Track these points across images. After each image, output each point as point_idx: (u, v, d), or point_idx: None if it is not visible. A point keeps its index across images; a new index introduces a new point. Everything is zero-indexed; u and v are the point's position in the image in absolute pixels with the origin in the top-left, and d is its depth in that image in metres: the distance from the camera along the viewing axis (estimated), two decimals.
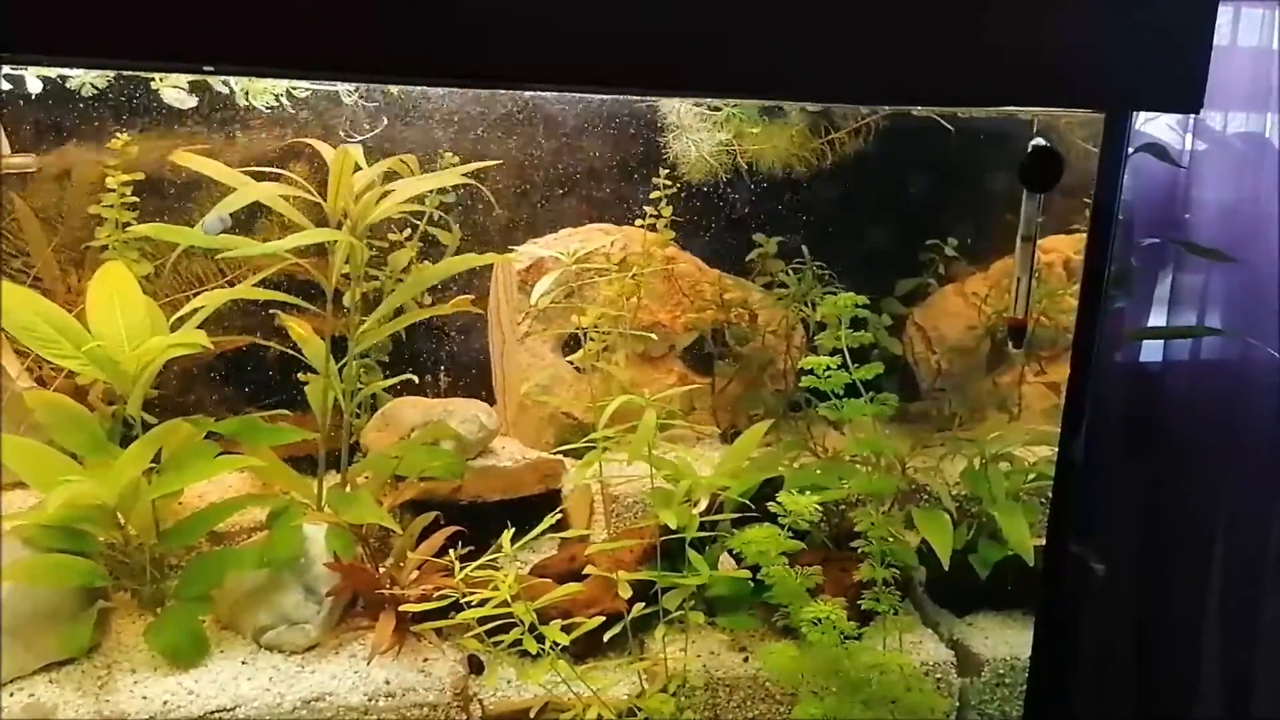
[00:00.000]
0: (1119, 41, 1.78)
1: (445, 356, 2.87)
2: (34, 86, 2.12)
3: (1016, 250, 2.02)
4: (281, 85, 2.21)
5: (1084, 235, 2.82)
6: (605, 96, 2.65)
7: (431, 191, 2.53)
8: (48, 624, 2.12)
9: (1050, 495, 2.58)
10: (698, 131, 2.65)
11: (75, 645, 2.13)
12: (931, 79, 1.76)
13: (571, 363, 2.76)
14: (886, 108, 2.72)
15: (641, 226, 2.75)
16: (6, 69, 2.01)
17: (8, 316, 2.10)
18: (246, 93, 2.18)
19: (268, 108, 2.25)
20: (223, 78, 2.15)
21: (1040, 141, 1.99)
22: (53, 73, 2.04)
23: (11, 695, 2.05)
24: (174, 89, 2.14)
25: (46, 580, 2.11)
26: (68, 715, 2.04)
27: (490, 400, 2.85)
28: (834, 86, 1.78)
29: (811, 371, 2.06)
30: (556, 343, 2.83)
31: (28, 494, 2.40)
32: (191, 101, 2.21)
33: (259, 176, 2.19)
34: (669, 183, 2.66)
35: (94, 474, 2.11)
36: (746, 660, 2.29)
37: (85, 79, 2.10)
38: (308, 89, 2.28)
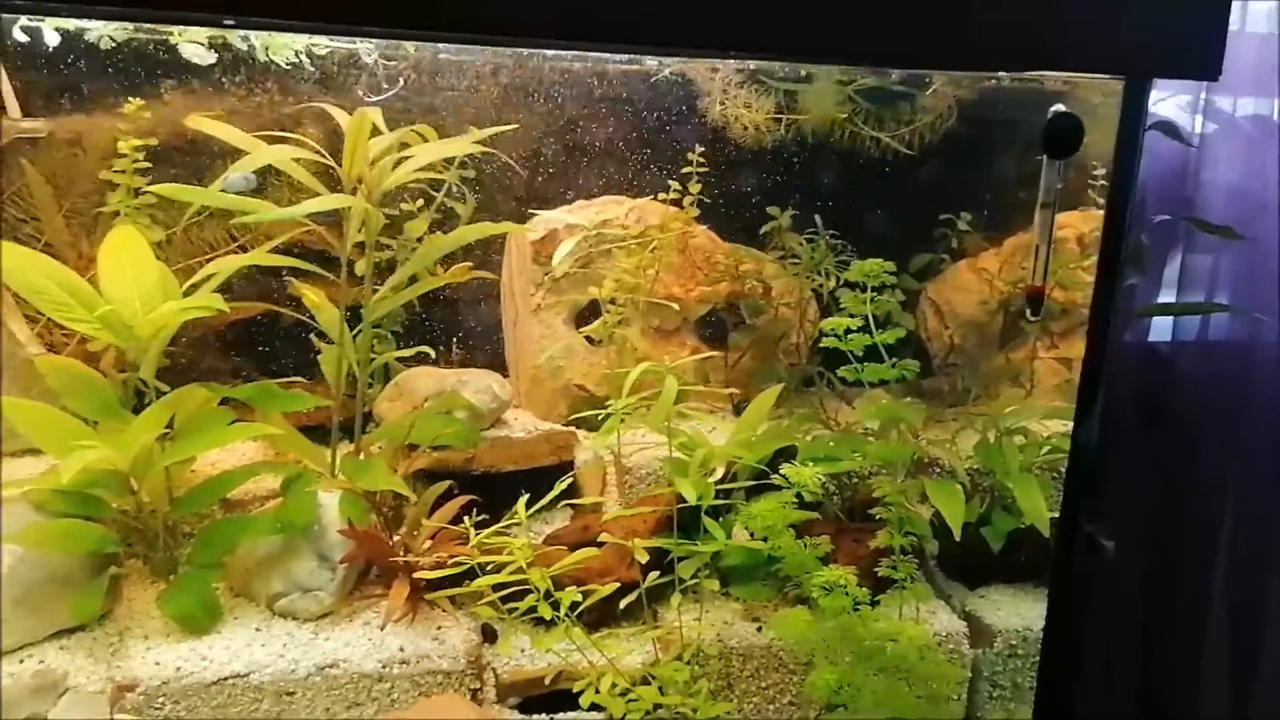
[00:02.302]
0: (1137, 8, 1.77)
1: (458, 328, 2.85)
2: (52, 40, 2.09)
3: (1035, 218, 2.02)
4: (301, 42, 2.19)
5: (1094, 213, 2.85)
6: (620, 63, 2.63)
7: (449, 161, 2.52)
8: (59, 590, 2.11)
9: (1062, 470, 2.60)
10: (720, 99, 2.64)
11: (87, 612, 2.12)
12: (947, 43, 1.75)
13: (586, 335, 2.75)
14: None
15: (665, 200, 2.74)
16: (24, 20, 1.98)
17: (18, 278, 2.08)
18: (267, 48, 2.16)
19: (288, 64, 2.22)
20: (243, 33, 2.12)
21: (1060, 107, 1.98)
22: (71, 24, 2.01)
23: (22, 662, 2.04)
24: (192, 44, 2.12)
25: (58, 546, 2.10)
26: (79, 681, 2.04)
27: (502, 372, 2.83)
28: (849, 49, 1.77)
29: (833, 333, 2.06)
30: (569, 315, 2.82)
31: (39, 461, 2.39)
32: (210, 58, 2.18)
33: (275, 139, 2.17)
34: (702, 160, 2.65)
35: (107, 439, 2.10)
36: (760, 630, 2.29)
37: (105, 31, 2.07)
38: (328, 46, 2.25)
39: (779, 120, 2.73)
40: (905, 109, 2.80)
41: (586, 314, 2.81)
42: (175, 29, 2.05)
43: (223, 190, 2.06)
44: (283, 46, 2.17)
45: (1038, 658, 2.37)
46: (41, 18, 1.97)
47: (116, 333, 2.13)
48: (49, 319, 2.32)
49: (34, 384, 2.33)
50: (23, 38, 2.08)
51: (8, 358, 2.35)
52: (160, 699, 2.00)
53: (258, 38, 2.17)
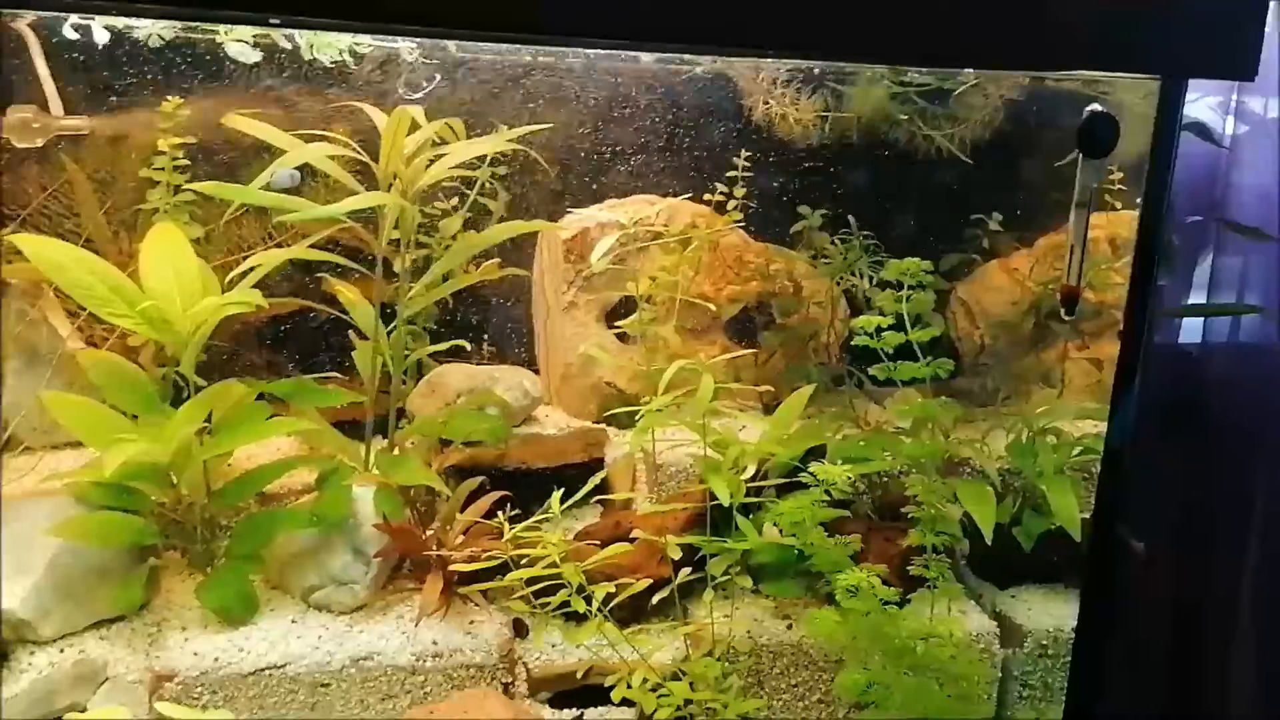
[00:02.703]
0: (1173, 7, 1.77)
1: (489, 325, 2.87)
2: (101, 37, 2.12)
3: (1071, 217, 2.02)
4: (345, 40, 2.21)
5: (1124, 214, 2.84)
6: (654, 62, 2.65)
7: (483, 158, 2.54)
8: (99, 581, 2.14)
9: (1093, 471, 2.60)
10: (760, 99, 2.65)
11: (127, 603, 2.15)
12: (983, 41, 1.75)
13: (621, 329, 2.75)
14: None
15: (709, 203, 2.75)
16: (74, 18, 2.02)
17: (63, 275, 2.11)
18: (311, 47, 2.18)
19: (332, 63, 2.25)
20: (287, 32, 2.15)
21: (1097, 106, 1.98)
22: (120, 23, 2.05)
23: (63, 651, 2.07)
24: (238, 43, 2.15)
25: (99, 538, 2.13)
26: (118, 671, 2.07)
27: (533, 369, 2.85)
28: (888, 49, 1.78)
29: (863, 331, 2.07)
30: (600, 313, 2.83)
31: (79, 454, 2.42)
32: (255, 56, 2.21)
33: (314, 137, 2.20)
34: (747, 164, 2.66)
35: (147, 433, 2.13)
36: (790, 627, 2.30)
37: (153, 30, 2.10)
38: (371, 44, 2.28)
39: (822, 119, 2.74)
40: (953, 109, 2.80)
41: (616, 312, 2.82)
42: (221, 28, 2.08)
43: (270, 186, 2.08)
44: (327, 45, 2.19)
45: (1068, 658, 2.37)
46: (91, 16, 2.00)
47: (157, 328, 2.16)
48: (89, 314, 2.35)
49: (75, 378, 2.37)
50: (73, 35, 2.11)
51: (50, 352, 2.39)
52: (198, 689, 2.03)
53: (302, 36, 2.20)
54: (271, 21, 1.75)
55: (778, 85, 2.74)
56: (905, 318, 2.08)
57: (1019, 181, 2.90)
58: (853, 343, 2.15)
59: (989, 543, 2.26)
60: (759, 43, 1.64)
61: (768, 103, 2.69)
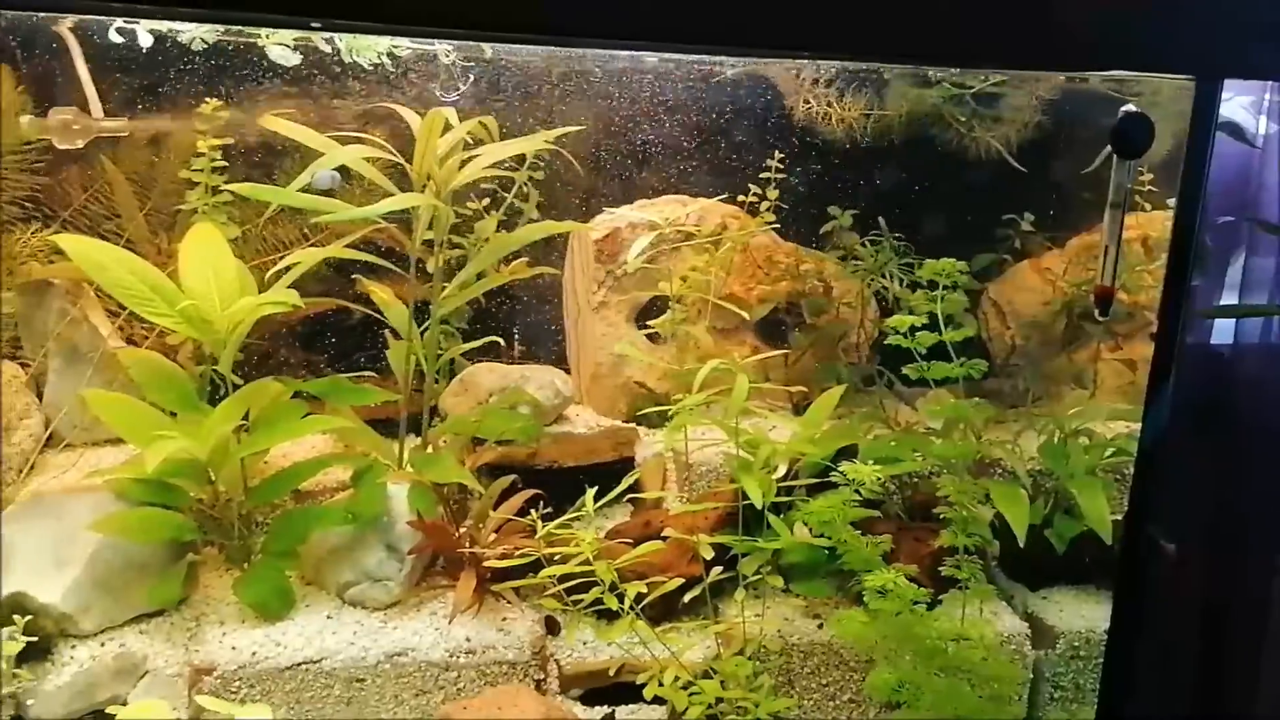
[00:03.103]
0: (1208, 8, 1.76)
1: (520, 324, 2.90)
2: (145, 41, 2.16)
3: (1105, 218, 2.01)
4: (384, 44, 2.24)
5: (1155, 214, 2.83)
6: (693, 63, 2.66)
7: (516, 159, 2.55)
8: (139, 576, 2.18)
9: (1125, 472, 2.59)
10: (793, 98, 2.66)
11: (166, 597, 2.18)
12: (1019, 42, 1.75)
13: (650, 329, 2.76)
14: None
15: (742, 204, 2.76)
16: (119, 22, 2.05)
17: (105, 274, 2.15)
18: (351, 50, 2.21)
19: (372, 65, 2.27)
20: (326, 35, 2.18)
21: (1131, 107, 1.98)
22: (163, 26, 2.08)
23: (103, 645, 2.11)
24: (279, 46, 2.18)
25: (139, 533, 2.16)
26: (157, 665, 2.10)
27: (563, 368, 2.87)
28: (925, 48, 1.79)
29: (896, 330, 2.07)
30: (631, 312, 2.85)
31: (119, 450, 2.46)
32: (295, 59, 2.24)
33: (351, 139, 2.22)
34: (780, 165, 2.67)
35: (186, 430, 2.16)
36: (821, 627, 2.30)
37: (196, 34, 2.14)
38: (409, 48, 2.30)
39: (862, 119, 2.75)
40: (997, 110, 2.81)
41: (647, 313, 2.83)
42: (263, 31, 2.11)
43: (311, 186, 2.11)
44: (366, 48, 2.22)
45: (1100, 660, 2.36)
46: (136, 19, 2.03)
47: (196, 327, 2.19)
48: (129, 313, 2.39)
49: (115, 376, 2.40)
50: (117, 38, 2.14)
51: (90, 351, 2.43)
52: (236, 683, 2.05)
53: (342, 39, 2.22)
54: (313, 26, 1.78)
55: (817, 85, 2.75)
56: (940, 318, 2.08)
57: (1052, 182, 2.89)
58: (886, 342, 2.15)
59: (1022, 545, 2.25)
60: (794, 44, 1.65)
61: (808, 102, 2.69)
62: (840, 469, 2.13)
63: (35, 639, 1.97)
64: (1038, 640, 2.38)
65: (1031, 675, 2.37)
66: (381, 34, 2.14)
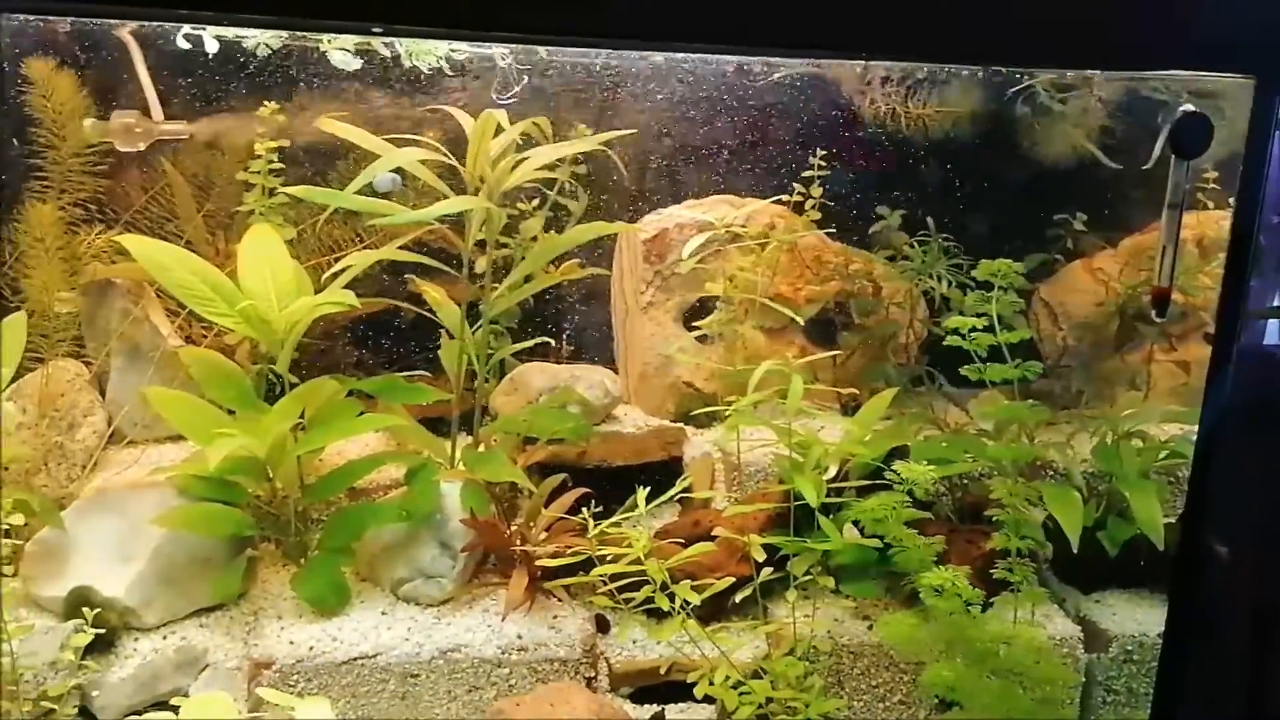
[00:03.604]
0: (1268, 6, 1.74)
1: (569, 324, 2.92)
2: (211, 47, 2.21)
3: (1163, 218, 1.99)
4: (443, 48, 2.27)
5: (1211, 214, 2.79)
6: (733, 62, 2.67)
7: (564, 160, 2.57)
8: (200, 570, 2.22)
9: (1179, 475, 2.56)
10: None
11: (227, 591, 2.22)
12: (1076, 41, 1.74)
13: (697, 328, 2.77)
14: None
15: (784, 202, 2.76)
16: (186, 28, 2.10)
17: (167, 275, 2.19)
18: (410, 54, 2.24)
19: (430, 69, 2.31)
20: (387, 40, 2.21)
21: (1189, 107, 1.96)
22: (229, 33, 2.12)
23: (165, 638, 2.15)
24: (340, 51, 2.21)
25: (201, 529, 2.21)
26: (217, 658, 2.14)
27: (611, 368, 2.89)
28: (981, 49, 1.78)
29: (956, 332, 2.07)
30: (678, 313, 2.86)
31: (178, 448, 2.51)
32: (356, 64, 2.27)
33: (406, 141, 2.25)
34: (823, 164, 2.68)
35: (244, 428, 2.20)
36: (871, 628, 2.30)
37: (260, 39, 2.18)
38: (467, 52, 2.33)
39: (920, 119, 2.75)
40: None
41: (694, 313, 2.84)
42: (325, 36, 2.15)
43: (374, 189, 2.14)
44: (425, 53, 2.25)
45: (1153, 664, 2.34)
46: (203, 25, 2.08)
47: (255, 327, 2.23)
48: (189, 313, 2.44)
49: (174, 374, 2.45)
50: (184, 44, 2.19)
51: (151, 349, 2.48)
52: (294, 676, 2.09)
53: (402, 44, 2.26)
54: (374, 30, 1.81)
55: (884, 85, 2.75)
56: (995, 319, 2.07)
57: (1107, 181, 2.86)
58: (944, 343, 2.14)
59: (1075, 547, 2.24)
60: (857, 46, 1.65)
61: (875, 102, 2.69)
62: (894, 468, 2.12)
63: (102, 631, 2.01)
64: (1090, 643, 2.36)
65: (1084, 678, 2.35)
66: (442, 39, 2.17)
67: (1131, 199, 2.84)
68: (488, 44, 2.26)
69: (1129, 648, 2.36)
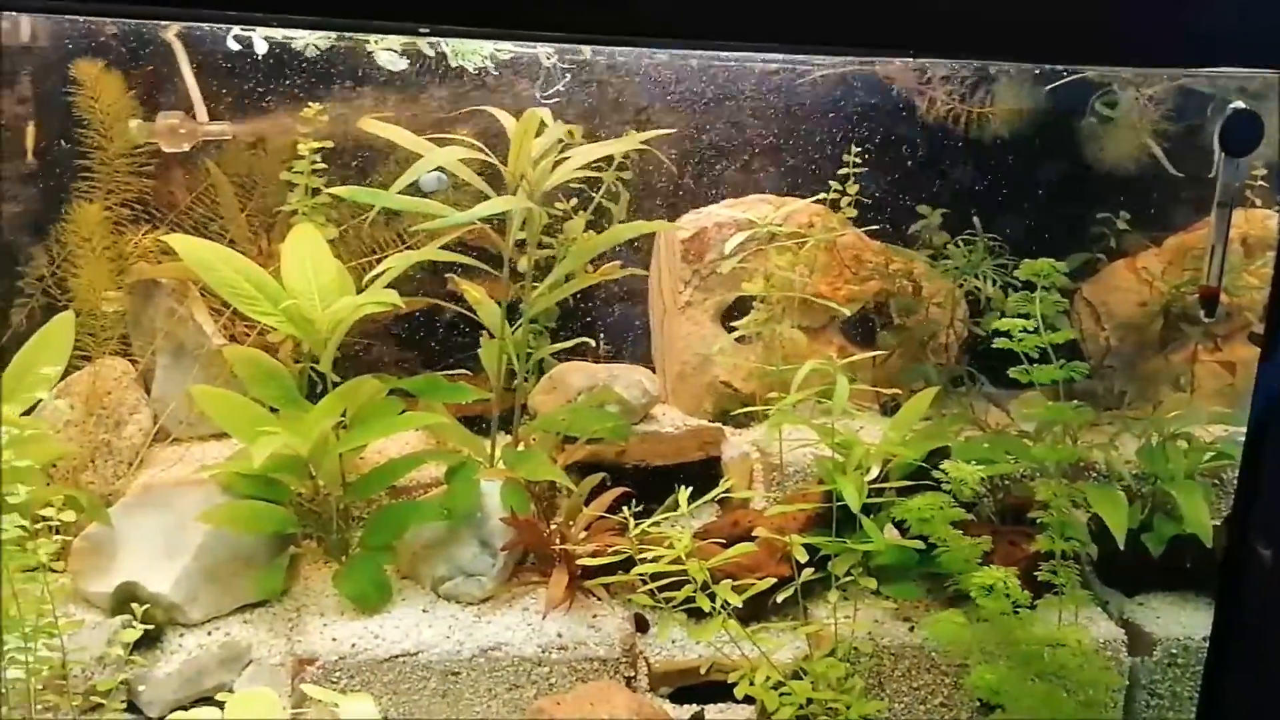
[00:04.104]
0: None
1: (606, 323, 2.92)
2: (261, 48, 2.23)
3: (1212, 216, 1.97)
4: (488, 48, 2.28)
5: (1257, 213, 2.76)
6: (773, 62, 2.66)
7: (609, 160, 2.58)
8: (244, 567, 2.24)
9: (1223, 476, 2.53)
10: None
11: (270, 588, 2.24)
12: (1128, 38, 1.72)
13: (734, 329, 2.76)
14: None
15: (821, 200, 2.76)
16: (236, 30, 2.12)
17: (213, 274, 2.21)
18: (458, 54, 2.26)
19: (476, 69, 2.32)
20: (432, 40, 2.22)
21: (1239, 104, 1.94)
22: (279, 34, 2.15)
23: (210, 634, 2.18)
24: (387, 51, 2.23)
25: (245, 526, 2.23)
26: (261, 654, 2.16)
27: (648, 367, 2.89)
28: (1010, 45, 1.77)
29: (1001, 333, 2.05)
30: (716, 312, 2.85)
31: (221, 445, 2.54)
32: (402, 64, 2.29)
33: (446, 141, 2.26)
34: (858, 160, 2.66)
35: (288, 426, 2.22)
36: (912, 629, 2.29)
37: (309, 40, 2.20)
38: (512, 51, 2.34)
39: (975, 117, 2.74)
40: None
41: (732, 312, 2.84)
42: (372, 38, 2.17)
43: (420, 189, 2.15)
44: (471, 53, 2.26)
45: (1198, 667, 2.31)
46: (252, 27, 2.10)
47: (299, 326, 2.25)
48: (232, 311, 2.46)
49: (218, 372, 2.48)
50: (235, 45, 2.22)
51: (195, 348, 2.51)
52: (337, 673, 2.11)
53: (448, 44, 2.27)
54: (421, 31, 1.82)
55: (943, 83, 2.74)
56: (1040, 319, 2.05)
57: (1152, 180, 2.83)
58: (991, 344, 2.12)
59: (1121, 547, 2.22)
60: (900, 44, 1.64)
61: (935, 102, 2.68)
62: (942, 468, 2.11)
63: (149, 627, 2.04)
64: (1134, 647, 2.34)
65: (1127, 682, 2.33)
66: (488, 39, 2.18)
67: (1177, 197, 2.81)
68: (532, 44, 2.26)
69: (1173, 651, 2.34)
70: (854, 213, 2.72)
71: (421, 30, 1.66)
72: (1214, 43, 1.75)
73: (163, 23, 2.18)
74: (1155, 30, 1.70)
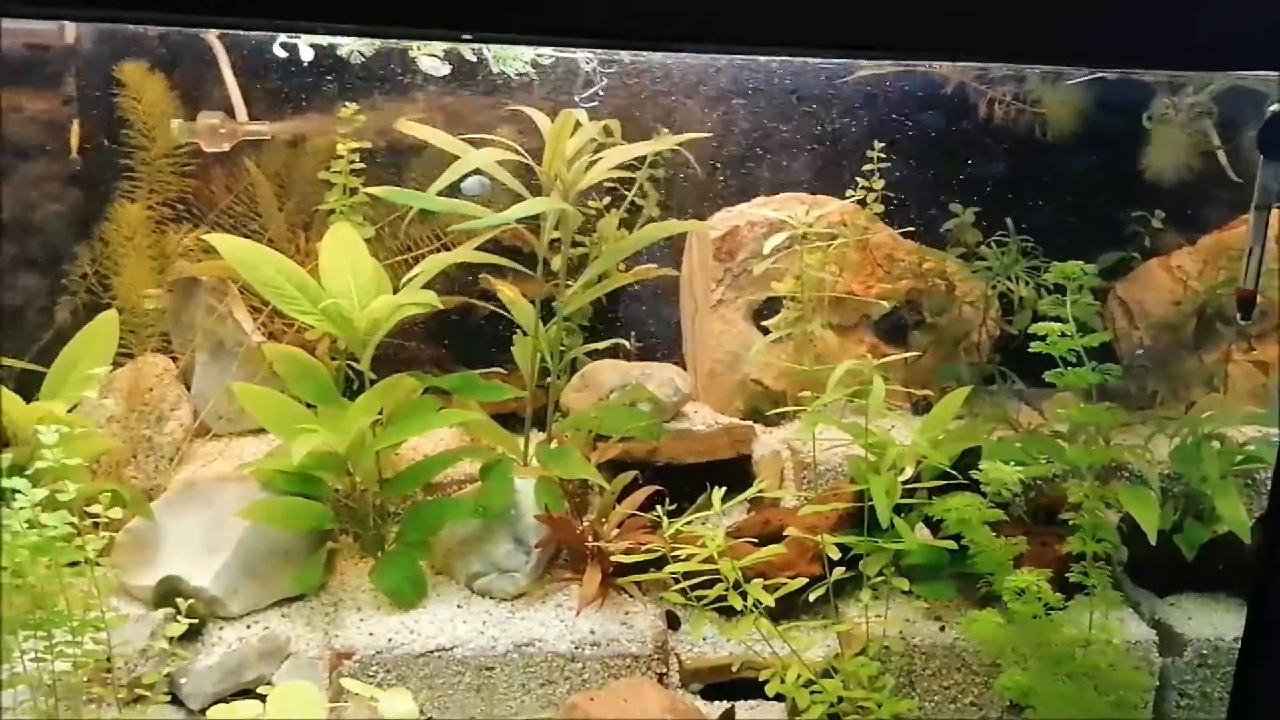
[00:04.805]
0: None
1: (638, 322, 2.94)
2: (308, 55, 2.27)
3: (1250, 218, 1.96)
4: (529, 53, 2.30)
5: None
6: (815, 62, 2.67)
7: (639, 160, 2.60)
8: (282, 562, 2.28)
9: (1256, 477, 2.53)
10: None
11: (309, 583, 2.28)
12: (1168, 42, 1.72)
13: (765, 328, 2.78)
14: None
15: (850, 198, 2.77)
16: (283, 37, 2.15)
17: (254, 273, 2.25)
18: (499, 60, 2.28)
19: (517, 74, 2.34)
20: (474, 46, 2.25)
21: (1277, 107, 1.93)
22: (324, 40, 2.18)
23: (249, 627, 2.21)
24: (430, 57, 2.26)
25: (284, 521, 2.27)
26: (299, 648, 2.19)
27: (678, 365, 2.90)
28: (1046, 49, 1.77)
29: (1042, 338, 2.05)
30: (748, 311, 2.87)
31: (259, 441, 2.57)
32: (445, 69, 2.32)
33: (484, 143, 2.28)
34: (883, 156, 2.67)
35: (326, 423, 2.25)
36: (943, 629, 2.30)
37: (354, 47, 2.23)
38: (551, 56, 2.36)
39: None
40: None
41: (763, 311, 2.85)
42: (415, 44, 2.19)
43: (463, 192, 2.18)
44: (513, 59, 2.28)
45: (1229, 669, 2.31)
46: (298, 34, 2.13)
47: (338, 324, 2.28)
48: (270, 310, 2.50)
49: (255, 370, 2.51)
50: (281, 53, 2.25)
51: (234, 345, 2.54)
52: (374, 667, 2.14)
53: (489, 49, 2.30)
54: (464, 38, 1.84)
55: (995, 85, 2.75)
56: (1071, 321, 2.06)
57: (1186, 180, 2.83)
58: (1023, 346, 2.13)
59: (1153, 544, 2.22)
60: (957, 47, 1.65)
61: (994, 104, 2.69)
62: (980, 468, 2.12)
63: (193, 620, 2.07)
64: (1165, 647, 2.34)
65: (1158, 682, 2.33)
66: (528, 44, 2.20)
67: (1223, 197, 2.81)
68: (571, 48, 2.28)
69: (1204, 652, 2.34)
70: (881, 208, 2.72)
71: (464, 37, 1.69)
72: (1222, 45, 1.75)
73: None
74: (1203, 35, 1.70)
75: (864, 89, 2.78)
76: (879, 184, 2.71)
